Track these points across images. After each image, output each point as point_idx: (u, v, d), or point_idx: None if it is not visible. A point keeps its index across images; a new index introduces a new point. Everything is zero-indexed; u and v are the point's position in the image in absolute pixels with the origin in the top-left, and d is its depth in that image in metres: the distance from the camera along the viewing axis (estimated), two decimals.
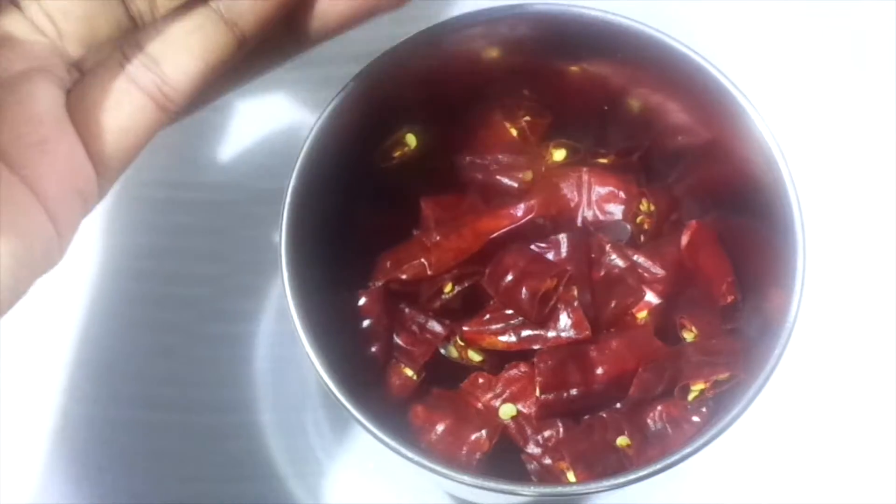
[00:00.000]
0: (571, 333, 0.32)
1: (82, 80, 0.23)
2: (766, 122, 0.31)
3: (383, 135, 0.35)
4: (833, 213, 0.42)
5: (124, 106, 0.23)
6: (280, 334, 0.41)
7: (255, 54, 0.24)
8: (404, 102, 0.34)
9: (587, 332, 0.32)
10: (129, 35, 0.23)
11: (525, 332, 0.33)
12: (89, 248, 0.42)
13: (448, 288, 0.34)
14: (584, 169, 0.35)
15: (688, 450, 0.28)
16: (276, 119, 0.43)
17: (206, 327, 0.41)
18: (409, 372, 0.34)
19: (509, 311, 0.33)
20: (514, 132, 0.36)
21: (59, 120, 0.22)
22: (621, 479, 0.28)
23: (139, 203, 0.42)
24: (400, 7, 0.25)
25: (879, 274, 0.42)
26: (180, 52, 0.23)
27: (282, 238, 0.30)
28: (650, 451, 0.32)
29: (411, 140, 0.35)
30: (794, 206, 0.30)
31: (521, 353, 0.34)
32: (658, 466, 0.28)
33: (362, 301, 0.33)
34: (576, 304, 0.32)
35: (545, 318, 0.33)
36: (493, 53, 0.34)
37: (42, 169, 0.21)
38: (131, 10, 0.22)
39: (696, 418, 0.32)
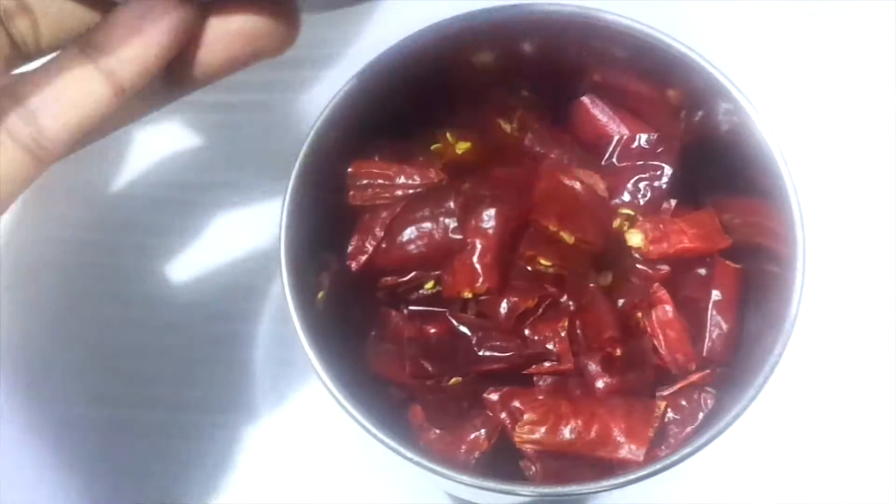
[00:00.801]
0: (556, 364, 0.32)
1: None
2: (766, 121, 0.31)
3: (383, 135, 0.35)
4: (833, 214, 0.42)
5: None
6: (280, 334, 0.41)
7: (134, 100, 0.23)
8: (404, 102, 0.34)
9: (569, 365, 0.32)
10: (12, 64, 0.22)
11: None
12: (89, 249, 0.42)
13: (429, 285, 0.33)
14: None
15: (688, 450, 0.28)
16: (276, 119, 0.43)
17: (206, 327, 0.41)
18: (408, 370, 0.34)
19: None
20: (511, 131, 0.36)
21: None
22: (621, 479, 0.28)
23: (139, 203, 0.42)
24: (283, 53, 0.24)
25: (879, 273, 0.42)
26: (58, 104, 0.22)
27: (282, 238, 0.30)
28: (650, 451, 0.32)
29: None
30: (794, 206, 0.30)
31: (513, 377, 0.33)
32: (658, 466, 0.28)
33: (362, 301, 0.33)
34: (563, 334, 0.32)
35: (524, 338, 0.32)
36: (492, 53, 0.34)
37: None
38: (13, 37, 0.22)
39: (695, 418, 0.32)
